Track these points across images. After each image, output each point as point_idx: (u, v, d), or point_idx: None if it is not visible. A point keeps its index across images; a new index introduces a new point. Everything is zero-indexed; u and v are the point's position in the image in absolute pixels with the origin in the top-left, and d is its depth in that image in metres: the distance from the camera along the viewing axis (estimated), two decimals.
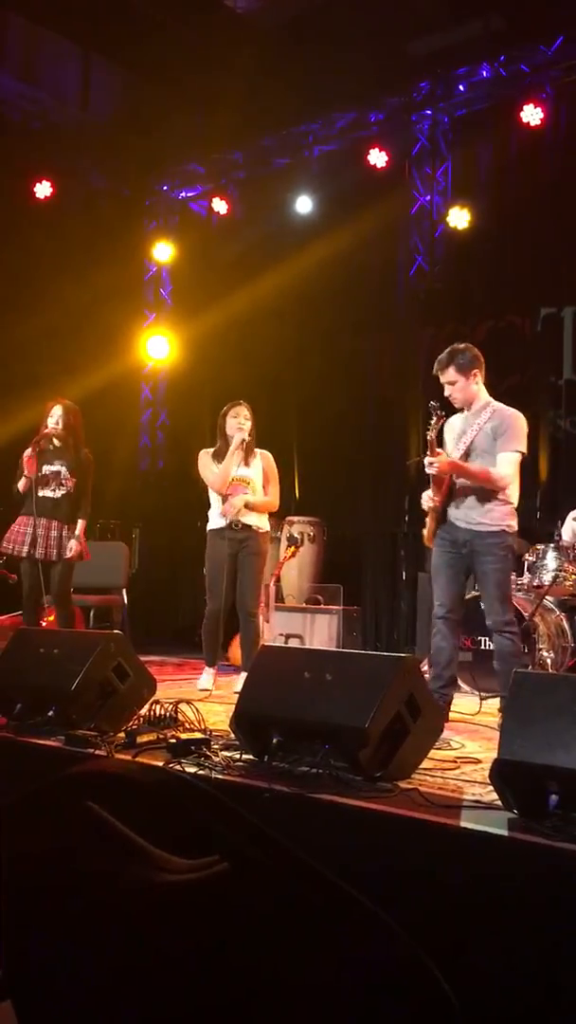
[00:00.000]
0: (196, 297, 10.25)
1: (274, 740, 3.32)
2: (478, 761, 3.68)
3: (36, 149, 9.41)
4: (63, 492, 5.99)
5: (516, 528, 4.75)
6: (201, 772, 3.24)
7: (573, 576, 6.18)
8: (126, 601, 7.88)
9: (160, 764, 3.36)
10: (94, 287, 9.21)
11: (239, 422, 5.86)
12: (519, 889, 2.51)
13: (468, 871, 2.62)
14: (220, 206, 9.94)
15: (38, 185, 9.40)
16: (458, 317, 8.70)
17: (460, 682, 5.68)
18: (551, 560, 6.24)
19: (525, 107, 7.99)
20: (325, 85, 8.82)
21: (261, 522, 5.90)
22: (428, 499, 4.75)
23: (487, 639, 5.70)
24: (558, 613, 6.24)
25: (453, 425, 4.86)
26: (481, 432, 4.67)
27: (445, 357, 4.72)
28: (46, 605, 6.15)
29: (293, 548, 7.60)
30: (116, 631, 5.77)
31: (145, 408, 10.90)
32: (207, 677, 5.89)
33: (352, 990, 2.01)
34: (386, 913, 2.17)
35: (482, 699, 5.36)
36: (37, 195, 9.41)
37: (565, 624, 6.19)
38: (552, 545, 6.31)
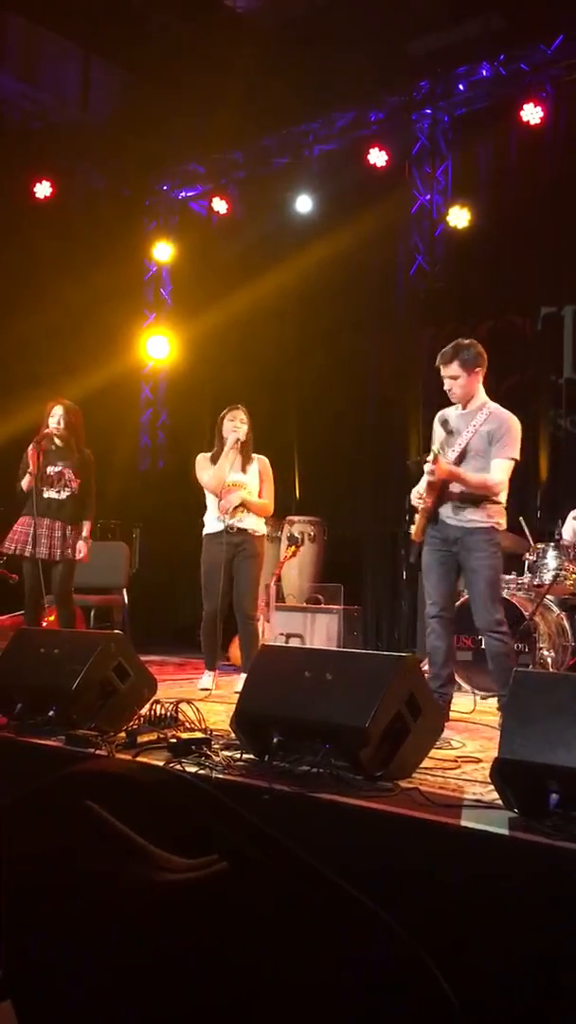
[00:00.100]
0: (196, 297, 10.25)
1: (275, 740, 3.32)
2: (479, 760, 3.67)
3: (36, 149, 9.41)
4: (68, 493, 6.00)
5: (505, 526, 4.79)
6: (202, 772, 3.24)
7: (573, 575, 6.18)
8: (126, 601, 7.88)
9: (161, 764, 3.36)
10: (94, 287, 9.21)
11: (235, 425, 5.87)
12: (519, 888, 2.51)
13: (469, 870, 2.62)
14: (220, 206, 9.93)
15: (38, 185, 9.40)
16: (458, 316, 8.69)
17: (460, 680, 5.68)
18: (551, 559, 6.24)
19: (525, 106, 7.99)
20: (325, 85, 8.82)
21: (257, 525, 5.90)
22: (417, 497, 4.77)
23: None
24: (558, 612, 6.25)
25: (446, 418, 4.85)
26: (477, 434, 4.66)
27: (450, 351, 4.70)
28: (46, 605, 6.15)
29: (293, 548, 7.60)
30: (116, 631, 5.77)
31: (145, 408, 10.90)
32: (207, 677, 5.90)
33: (352, 989, 2.01)
34: (386, 912, 2.17)
35: (482, 698, 5.36)
36: (37, 195, 9.41)
37: (565, 623, 6.20)
38: (552, 544, 6.31)
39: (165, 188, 10.53)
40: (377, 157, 8.76)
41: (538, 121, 8.01)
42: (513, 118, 8.10)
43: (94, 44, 9.45)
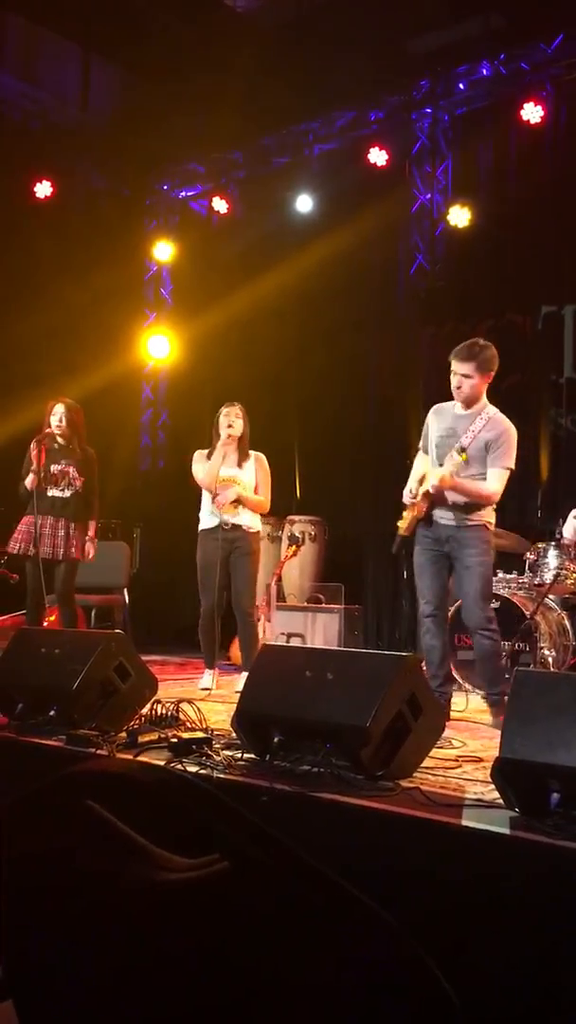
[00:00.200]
0: (197, 296, 10.24)
1: (275, 739, 3.32)
2: (479, 760, 3.67)
3: (36, 149, 9.41)
4: (72, 491, 6.00)
5: (494, 525, 4.84)
6: (202, 771, 3.24)
7: (574, 574, 6.18)
8: (127, 601, 7.89)
9: (162, 763, 3.36)
10: (94, 287, 9.21)
11: (229, 421, 5.88)
12: (520, 888, 2.51)
13: (470, 870, 2.62)
14: (220, 205, 9.93)
15: (38, 185, 9.39)
16: (459, 316, 8.69)
17: (460, 680, 5.68)
18: (552, 559, 6.25)
19: (525, 105, 7.98)
20: (325, 84, 8.82)
21: (252, 522, 5.89)
22: (410, 496, 4.78)
23: None
24: (559, 611, 6.24)
25: (443, 414, 4.85)
26: (475, 440, 4.66)
27: (466, 350, 4.68)
28: (47, 605, 6.15)
29: (294, 547, 7.60)
30: (117, 631, 5.77)
31: (146, 408, 10.90)
32: (208, 677, 5.90)
33: (353, 989, 2.01)
34: (387, 912, 2.17)
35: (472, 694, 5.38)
36: (37, 195, 9.41)
37: (566, 622, 6.20)
38: (553, 543, 6.31)
39: (165, 188, 10.53)
40: (377, 156, 8.75)
41: (538, 120, 8.00)
42: (513, 117, 8.09)
43: (94, 44, 9.45)
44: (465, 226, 8.43)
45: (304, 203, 9.31)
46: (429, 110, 8.73)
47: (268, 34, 8.96)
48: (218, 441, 5.89)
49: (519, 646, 5.86)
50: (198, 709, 4.07)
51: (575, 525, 6.41)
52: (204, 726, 3.95)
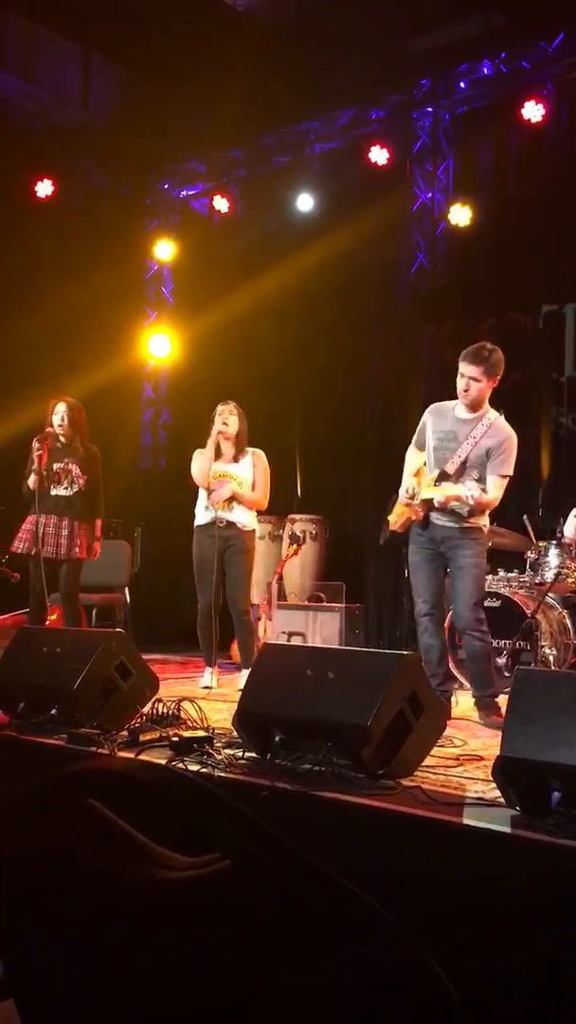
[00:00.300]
0: (197, 295, 10.24)
1: (277, 738, 3.32)
2: (480, 758, 3.67)
3: (37, 148, 9.41)
4: (76, 489, 6.01)
5: (488, 527, 4.90)
6: (204, 770, 3.24)
7: (575, 573, 6.18)
8: (128, 599, 7.89)
9: (163, 762, 3.36)
10: (95, 286, 9.20)
11: (223, 419, 5.89)
12: (521, 886, 2.51)
13: (471, 868, 2.62)
14: (221, 204, 9.93)
15: (39, 184, 9.39)
16: (460, 314, 8.69)
17: (461, 679, 5.68)
18: (553, 557, 6.25)
19: (526, 104, 7.97)
20: (326, 83, 8.81)
21: (247, 520, 5.90)
22: (407, 496, 4.80)
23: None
24: (560, 610, 6.24)
25: (442, 415, 4.84)
26: (477, 447, 4.67)
27: (476, 353, 4.67)
28: (49, 604, 6.14)
29: (295, 546, 7.61)
30: (118, 629, 5.77)
31: (147, 407, 10.90)
32: (209, 675, 5.90)
33: (354, 988, 2.01)
34: (388, 911, 2.17)
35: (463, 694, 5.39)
36: (38, 194, 9.41)
37: (567, 621, 6.19)
38: (554, 542, 6.31)
39: (166, 187, 10.53)
40: (378, 155, 8.75)
41: (539, 119, 7.99)
42: (514, 116, 8.09)
43: (94, 43, 9.43)
44: (466, 225, 8.42)
45: (305, 202, 9.31)
46: (430, 109, 8.73)
47: (269, 33, 8.95)
48: (209, 439, 5.91)
49: (520, 645, 5.86)
50: (199, 708, 4.07)
51: None
52: (205, 725, 3.95)
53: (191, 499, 6.11)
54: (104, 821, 2.10)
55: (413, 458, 5.03)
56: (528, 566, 6.46)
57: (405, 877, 2.67)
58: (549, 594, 6.07)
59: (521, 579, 6.42)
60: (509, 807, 2.77)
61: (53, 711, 3.94)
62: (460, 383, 4.71)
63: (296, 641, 7.19)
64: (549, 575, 6.15)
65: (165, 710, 4.04)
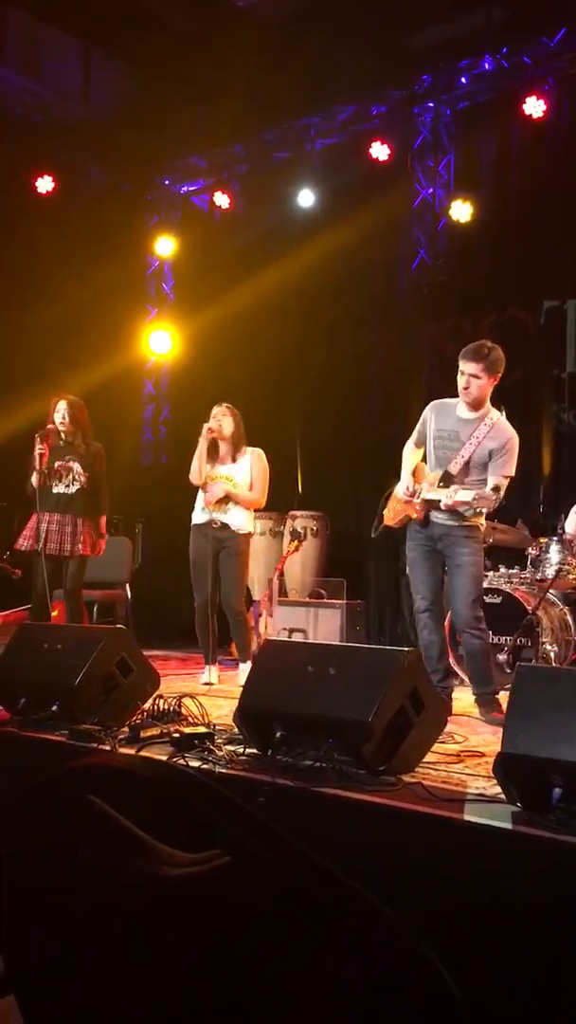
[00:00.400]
0: (198, 292, 10.23)
1: (278, 734, 3.32)
2: (482, 755, 3.67)
3: (38, 144, 9.39)
4: (77, 487, 6.00)
5: (485, 525, 4.95)
6: (204, 766, 3.24)
7: None
8: (130, 596, 7.89)
9: (163, 758, 3.36)
10: (96, 282, 9.20)
11: (216, 420, 5.93)
12: (522, 882, 2.51)
13: (471, 865, 2.62)
14: (222, 200, 9.91)
15: (40, 180, 9.38)
16: (461, 311, 8.68)
17: (461, 673, 5.68)
18: (554, 554, 6.24)
19: (528, 99, 7.95)
20: (326, 78, 8.80)
21: (242, 522, 5.89)
22: (407, 493, 4.80)
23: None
24: (561, 607, 6.24)
25: (444, 413, 4.83)
26: (479, 448, 4.66)
27: (475, 351, 4.65)
28: (51, 601, 6.14)
29: (296, 543, 7.58)
30: (119, 626, 5.77)
31: (148, 403, 10.89)
32: (210, 671, 5.91)
33: (354, 984, 2.01)
34: (389, 907, 2.17)
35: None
36: (39, 190, 9.40)
37: (568, 617, 6.19)
38: (555, 539, 6.31)
39: (167, 182, 10.51)
40: (379, 151, 8.73)
41: (541, 114, 7.97)
42: (516, 111, 8.07)
43: (96, 39, 9.43)
44: (467, 221, 8.41)
45: (306, 198, 9.30)
46: (431, 104, 8.70)
47: (269, 28, 8.92)
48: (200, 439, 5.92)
49: (521, 641, 5.86)
50: (200, 704, 4.07)
51: None
52: (206, 721, 3.95)
53: (192, 496, 6.12)
54: (105, 817, 2.10)
55: (411, 456, 5.03)
56: (529, 562, 6.46)
57: (406, 873, 2.67)
58: (550, 590, 6.07)
59: (522, 575, 6.42)
60: (510, 803, 2.77)
61: (54, 707, 3.94)
62: (460, 381, 4.70)
63: (297, 637, 7.19)
64: (550, 571, 6.15)
65: (166, 706, 4.05)
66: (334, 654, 3.59)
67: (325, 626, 7.38)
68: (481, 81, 8.45)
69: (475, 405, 4.73)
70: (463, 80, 8.48)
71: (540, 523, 7.40)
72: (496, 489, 4.57)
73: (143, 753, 3.49)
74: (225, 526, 5.84)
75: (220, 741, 3.58)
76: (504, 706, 3.32)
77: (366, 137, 8.86)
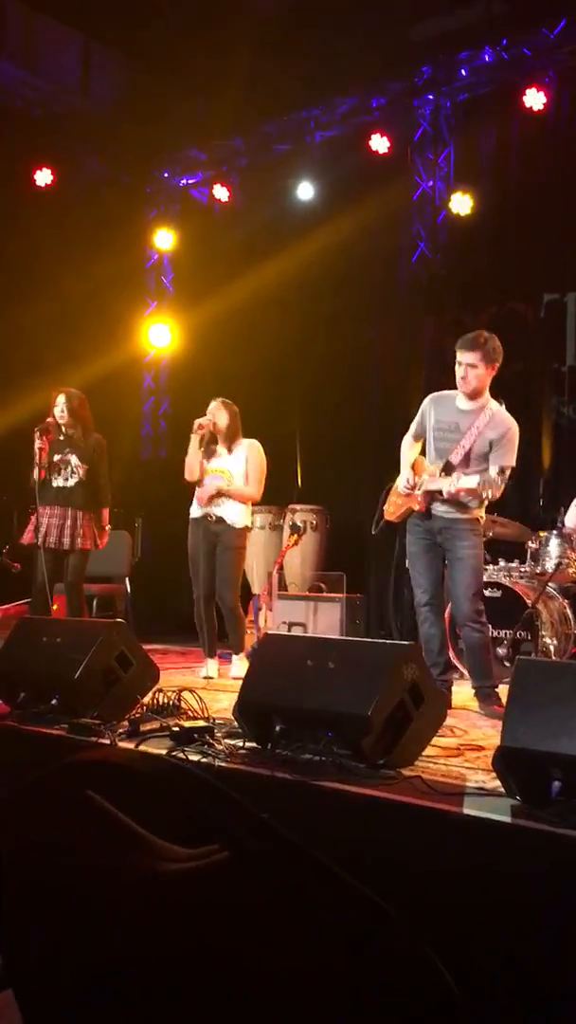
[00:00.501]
0: (198, 285, 10.21)
1: (277, 728, 3.32)
2: (481, 748, 3.67)
3: (36, 136, 9.36)
4: (76, 480, 6.00)
5: (484, 518, 4.93)
6: (204, 760, 3.25)
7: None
8: (129, 590, 7.89)
9: (163, 752, 3.36)
10: (95, 275, 9.18)
11: (211, 415, 5.96)
12: (522, 876, 2.51)
13: (471, 858, 2.62)
14: (221, 193, 9.89)
15: (38, 172, 9.36)
16: (461, 304, 8.66)
17: (460, 667, 5.68)
18: (554, 547, 6.24)
19: (528, 91, 7.92)
20: (326, 70, 8.76)
21: (238, 517, 5.89)
22: (408, 486, 4.80)
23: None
24: (561, 600, 6.24)
25: (443, 405, 4.82)
26: (480, 438, 4.65)
27: (472, 340, 4.64)
28: (51, 595, 6.14)
29: (296, 536, 7.59)
30: (119, 619, 5.77)
31: (147, 397, 10.88)
32: (210, 665, 5.92)
33: (353, 979, 2.01)
34: (388, 900, 2.17)
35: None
36: (38, 183, 9.38)
37: (568, 611, 6.19)
38: (555, 532, 6.31)
39: (166, 175, 10.48)
40: (379, 143, 8.71)
41: (541, 107, 7.95)
42: (516, 104, 8.04)
43: (94, 31, 9.40)
44: (467, 213, 8.38)
45: (305, 190, 9.27)
46: (431, 96, 8.67)
47: (269, 20, 8.89)
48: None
49: (521, 635, 5.86)
50: (200, 698, 4.08)
51: None
52: (206, 715, 3.95)
53: (191, 489, 6.12)
54: (103, 813, 2.10)
55: (409, 449, 5.02)
56: (529, 556, 6.45)
57: (405, 867, 2.67)
58: (550, 584, 6.07)
59: (522, 569, 6.41)
60: (509, 797, 2.77)
61: (54, 701, 3.95)
62: (458, 371, 4.69)
63: (296, 631, 7.19)
64: (550, 565, 6.15)
65: (165, 700, 4.05)
66: (334, 648, 3.60)
67: (324, 620, 7.38)
68: (481, 73, 8.42)
69: (474, 395, 4.72)
70: (463, 72, 8.44)
71: (540, 516, 7.39)
72: (501, 472, 4.56)
73: (143, 747, 3.49)
74: (220, 520, 5.85)
75: (220, 735, 3.58)
76: (504, 700, 3.32)
77: (366, 129, 8.83)
